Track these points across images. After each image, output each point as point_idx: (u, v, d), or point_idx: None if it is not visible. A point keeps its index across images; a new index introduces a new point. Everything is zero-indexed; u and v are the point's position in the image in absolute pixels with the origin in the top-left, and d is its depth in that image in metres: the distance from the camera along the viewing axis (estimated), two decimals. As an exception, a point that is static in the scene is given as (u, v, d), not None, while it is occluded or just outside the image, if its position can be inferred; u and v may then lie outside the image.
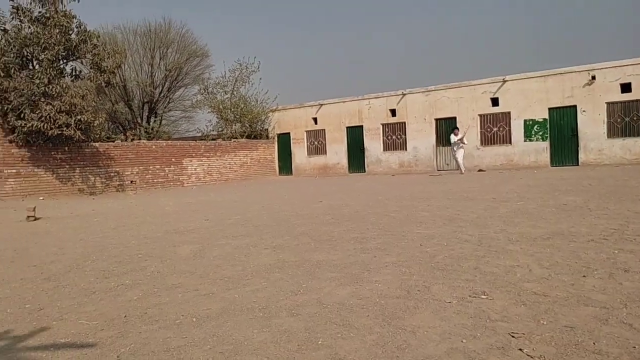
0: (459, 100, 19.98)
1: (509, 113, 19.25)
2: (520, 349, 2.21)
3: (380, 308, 2.91)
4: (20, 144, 15.14)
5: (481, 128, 19.96)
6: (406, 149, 21.67)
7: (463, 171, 17.32)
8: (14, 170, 15.13)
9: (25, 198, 14.58)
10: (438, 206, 7.74)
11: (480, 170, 19.21)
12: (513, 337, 2.35)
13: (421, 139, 21.21)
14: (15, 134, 14.86)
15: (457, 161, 17.58)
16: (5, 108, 14.51)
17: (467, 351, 2.22)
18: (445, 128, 20.57)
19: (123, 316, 2.98)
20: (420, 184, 13.47)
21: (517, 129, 19.19)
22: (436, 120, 20.88)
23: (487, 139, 19.90)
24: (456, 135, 17.60)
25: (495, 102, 19.53)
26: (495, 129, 19.67)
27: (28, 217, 8.71)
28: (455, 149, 17.75)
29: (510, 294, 3.03)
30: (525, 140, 19.03)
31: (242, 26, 61.97)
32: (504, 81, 19.32)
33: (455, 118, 20.20)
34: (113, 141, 19.28)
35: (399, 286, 3.34)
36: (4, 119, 14.77)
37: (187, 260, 4.57)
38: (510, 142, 19.36)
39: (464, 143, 17.54)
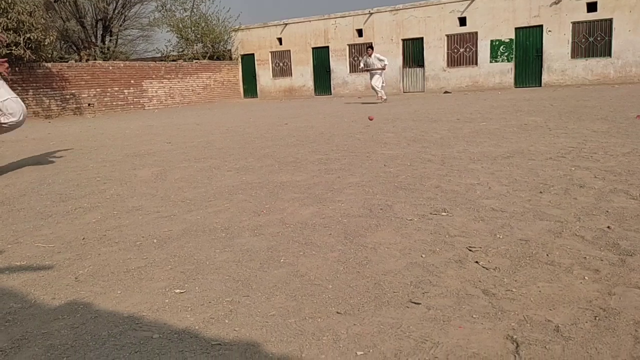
0: (427, 19, 19.59)
1: (476, 33, 19.05)
2: (476, 262, 2.27)
3: (342, 227, 2.92)
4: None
5: (448, 49, 19.77)
6: (372, 71, 21.27)
7: (383, 97, 14.63)
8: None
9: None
10: (403, 127, 7.74)
11: (446, 92, 19.26)
12: (470, 250, 2.41)
13: (388, 60, 20.87)
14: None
15: (374, 89, 14.74)
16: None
17: (426, 265, 2.26)
18: (413, 49, 20.28)
19: (81, 239, 2.91)
20: (386, 106, 13.42)
21: (483, 50, 19.09)
22: (403, 40, 20.53)
23: (454, 61, 19.79)
24: (370, 56, 14.60)
25: (462, 21, 19.25)
26: (462, 50, 19.53)
27: None
28: (373, 74, 14.67)
29: (469, 210, 3.08)
30: (491, 62, 19.01)
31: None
32: None
33: (422, 39, 19.89)
34: (67, 61, 18.29)
35: (362, 205, 3.35)
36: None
37: (147, 183, 4.47)
38: (476, 64, 19.33)
39: (380, 68, 14.53)
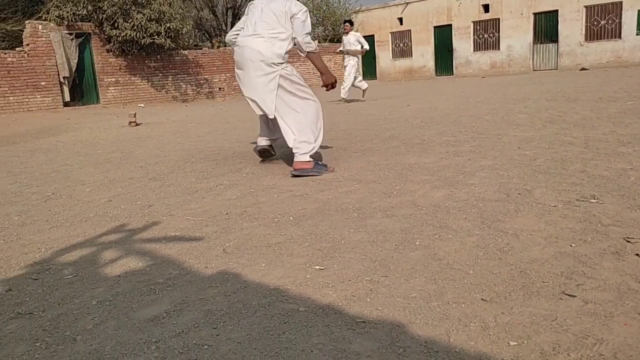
0: (563, -10, 17.98)
1: (620, 3, 17.16)
2: (637, 254, 2.05)
3: (478, 211, 2.80)
4: (117, 53, 15.77)
5: (586, 22, 18.06)
6: (499, 49, 20.24)
7: (346, 97, 11.36)
8: (113, 79, 15.92)
9: (126, 105, 15.43)
10: (536, 108, 7.23)
11: (582, 69, 17.68)
12: (628, 242, 2.18)
13: (517, 36, 19.64)
14: (112, 44, 15.45)
15: (345, 82, 11.38)
16: (101, 18, 15.00)
17: (577, 255, 2.09)
18: (546, 23, 18.83)
19: (225, 213, 3.11)
20: (515, 85, 12.64)
21: (628, 21, 17.16)
22: (535, 14, 19.11)
23: (593, 34, 18.04)
24: (346, 33, 11.30)
25: (605, -10, 17.41)
26: (603, 22, 17.71)
27: (130, 122, 9.24)
28: (349, 63, 11.26)
29: (623, 198, 2.79)
30: (637, 34, 17.04)
31: None
32: (619, -35, 17.05)
33: (557, 11, 18.39)
34: (201, 49, 19.60)
35: (497, 189, 3.19)
36: (100, 29, 15.33)
37: (280, 163, 4.65)
38: (619, 37, 17.44)
39: (358, 52, 11.26)
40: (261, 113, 4.17)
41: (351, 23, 11.36)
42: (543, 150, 4.23)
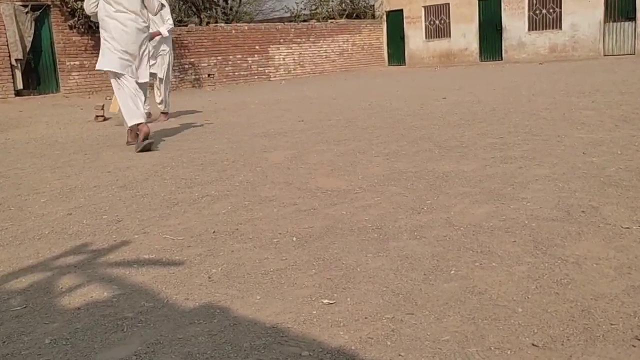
0: (642, -46, 17.91)
1: None
2: None
3: (530, 232, 2.81)
4: (82, 30, 15.96)
5: (672, -5, 17.96)
6: (561, 28, 20.19)
7: (163, 114, 9.16)
8: (77, 62, 16.10)
9: (92, 95, 15.59)
10: (607, 103, 7.22)
11: (666, 55, 17.58)
12: None
13: (582, 12, 19.56)
14: (76, 18, 15.62)
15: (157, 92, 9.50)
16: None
17: (655, 292, 2.09)
18: (620, -4, 18.71)
19: (211, 232, 3.13)
20: (581, 73, 12.62)
21: None
22: (606, -15, 19.02)
23: (681, 11, 17.94)
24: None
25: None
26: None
27: (96, 117, 9.34)
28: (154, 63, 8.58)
29: None
30: None
31: None
32: None
33: (634, -19, 18.28)
34: (186, 25, 19.80)
35: (555, 206, 3.19)
36: (62, 1, 15.52)
37: (280, 169, 4.68)
38: None
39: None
40: None
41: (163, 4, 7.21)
42: (615, 157, 4.22)
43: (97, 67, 6.23)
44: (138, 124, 5.96)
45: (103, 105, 9.56)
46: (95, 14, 6.07)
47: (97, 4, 5.95)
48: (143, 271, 2.62)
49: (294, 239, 2.96)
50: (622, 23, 18.69)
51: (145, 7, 6.12)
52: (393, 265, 2.53)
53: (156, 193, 4.10)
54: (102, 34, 6.07)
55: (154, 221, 3.40)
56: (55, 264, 2.79)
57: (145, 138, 5.87)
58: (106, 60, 6.01)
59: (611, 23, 18.93)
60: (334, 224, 3.17)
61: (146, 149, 5.82)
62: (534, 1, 20.51)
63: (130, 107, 5.99)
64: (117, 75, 6.03)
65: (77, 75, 16.02)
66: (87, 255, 2.88)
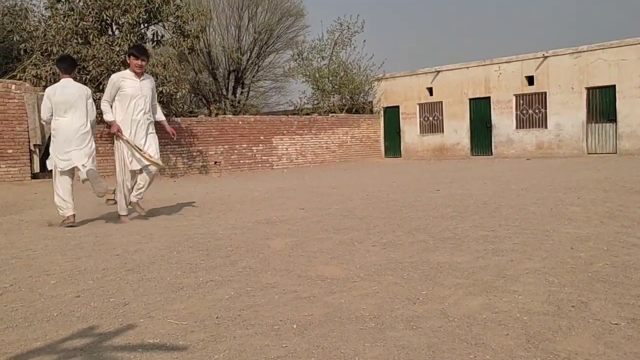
0: (620, 63, 18.67)
1: (689, 80, 17.66)
2: None
3: (522, 326, 2.78)
4: (99, 119, 16.26)
5: (650, 99, 18.50)
6: (546, 127, 20.70)
7: (124, 214, 7.47)
8: (93, 148, 16.25)
9: (104, 179, 15.70)
10: (592, 199, 7.29)
11: (646, 155, 17.89)
12: None
13: (567, 113, 20.14)
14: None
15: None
16: (84, 79, 15.66)
17: (645, 389, 2.05)
18: (601, 100, 19.34)
19: (215, 317, 3.10)
20: (566, 170, 12.80)
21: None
22: (588, 89, 19.68)
23: (658, 114, 18.42)
24: (137, 75, 7.09)
25: (670, 65, 17.98)
26: (670, 100, 18.15)
27: (107, 200, 9.38)
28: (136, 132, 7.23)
29: (700, 317, 2.77)
30: None
31: (343, -22, 62.06)
32: (684, 38, 17.68)
33: (614, 87, 18.95)
34: (196, 116, 20.28)
35: (545, 299, 3.18)
36: (82, 91, 15.91)
37: (282, 256, 4.68)
38: (690, 118, 17.80)
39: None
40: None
41: (145, 55, 7.21)
42: (601, 253, 4.23)
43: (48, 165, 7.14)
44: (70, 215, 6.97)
45: (114, 189, 9.63)
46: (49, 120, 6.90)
47: (52, 112, 6.79)
48: (147, 356, 2.58)
49: (294, 326, 2.93)
50: (604, 124, 19.17)
51: (87, 111, 7.02)
52: (390, 355, 2.49)
53: (162, 277, 4.08)
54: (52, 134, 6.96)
55: (160, 305, 3.38)
56: (62, 346, 2.75)
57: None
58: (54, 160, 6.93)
59: (593, 124, 19.42)
60: (333, 312, 3.14)
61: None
62: (521, 102, 21.11)
63: (64, 200, 6.96)
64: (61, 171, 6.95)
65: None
66: (93, 338, 2.85)
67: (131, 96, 7.02)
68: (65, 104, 6.76)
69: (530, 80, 20.78)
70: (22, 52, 16.07)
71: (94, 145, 7.18)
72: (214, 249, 5.06)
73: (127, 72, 7.13)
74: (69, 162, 6.89)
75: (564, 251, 4.36)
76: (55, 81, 8.33)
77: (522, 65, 20.95)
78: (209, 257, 4.75)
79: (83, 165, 6.91)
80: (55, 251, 5.28)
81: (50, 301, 3.56)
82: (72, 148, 6.81)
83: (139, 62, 7.01)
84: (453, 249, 4.68)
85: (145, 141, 7.24)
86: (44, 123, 7.51)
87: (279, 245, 5.18)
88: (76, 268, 4.49)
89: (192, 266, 4.41)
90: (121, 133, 7.07)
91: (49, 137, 7.30)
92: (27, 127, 14.80)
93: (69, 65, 7.03)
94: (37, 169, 15.00)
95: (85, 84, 15.58)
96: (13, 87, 14.86)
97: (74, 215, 7.00)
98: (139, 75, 7.08)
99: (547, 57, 20.30)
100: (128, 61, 7.14)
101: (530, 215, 6.25)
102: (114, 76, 7.14)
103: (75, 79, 7.22)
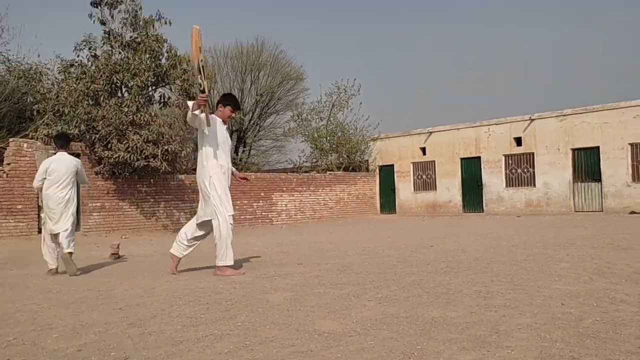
0: (603, 126, 18.98)
1: (670, 141, 17.89)
2: None
3: (516, 381, 2.72)
4: (106, 175, 16.40)
5: (633, 160, 18.75)
6: (535, 185, 20.85)
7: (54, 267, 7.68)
8: (99, 204, 16.37)
9: (109, 234, 15.69)
10: (580, 256, 7.26)
11: (632, 212, 17.96)
12: None
13: (554, 173, 20.31)
14: (102, 166, 16.12)
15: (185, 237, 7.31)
16: (93, 138, 15.84)
17: None
18: (586, 160, 19.56)
19: (213, 372, 3.03)
20: (555, 227, 12.79)
21: (681, 162, 17.81)
22: (573, 150, 19.93)
23: (641, 174, 18.59)
24: (223, 122, 6.97)
25: (651, 127, 18.26)
26: (651, 161, 18.36)
27: (112, 254, 9.33)
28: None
29: (690, 374, 2.72)
30: (692, 176, 17.58)
31: (341, 45, 63.68)
32: (661, 102, 18.03)
33: (598, 148, 19.19)
34: (199, 173, 20.26)
35: (538, 355, 3.12)
36: (91, 150, 16.12)
37: (280, 310, 4.62)
38: (672, 178, 17.94)
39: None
40: None
41: (235, 106, 7.14)
42: (591, 309, 4.19)
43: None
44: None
45: (119, 244, 9.60)
46: (41, 188, 7.60)
47: (43, 181, 7.51)
48: (146, 410, 2.51)
49: (292, 381, 2.87)
50: (589, 183, 19.29)
51: (76, 181, 7.77)
52: (386, 411, 2.43)
53: (163, 331, 4.02)
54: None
55: (160, 359, 3.31)
56: (62, 400, 2.68)
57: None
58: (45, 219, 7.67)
59: (580, 183, 19.55)
60: (330, 367, 3.08)
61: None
62: (510, 161, 21.31)
63: (49, 254, 7.65)
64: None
65: (97, 215, 16.23)
66: (93, 392, 2.78)
67: (221, 142, 6.80)
68: (58, 176, 7.50)
69: (519, 141, 21.04)
70: (35, 113, 16.30)
71: (75, 210, 7.79)
72: (214, 303, 5.00)
73: (217, 117, 6.86)
74: (55, 227, 7.54)
75: (555, 307, 4.31)
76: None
77: (511, 127, 21.26)
78: (209, 311, 4.68)
79: (65, 229, 7.54)
80: (59, 305, 5.20)
81: (51, 355, 3.49)
82: (57, 215, 7.51)
83: (234, 114, 7.14)
84: (447, 304, 4.62)
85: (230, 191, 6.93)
86: (34, 189, 8.08)
87: (278, 299, 5.11)
88: (79, 322, 4.42)
89: (193, 320, 4.34)
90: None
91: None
92: (37, 183, 14.83)
93: (65, 142, 7.96)
94: (44, 223, 14.95)
95: (94, 143, 15.80)
96: (25, 145, 15.00)
97: (57, 267, 7.63)
98: (225, 122, 7.00)
99: (534, 119, 20.64)
100: (220, 108, 6.99)
101: (521, 271, 6.21)
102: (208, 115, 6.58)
103: (69, 151, 8.09)
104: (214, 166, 6.69)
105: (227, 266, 6.78)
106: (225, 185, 6.78)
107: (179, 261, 7.19)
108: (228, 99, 7.12)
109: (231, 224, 6.84)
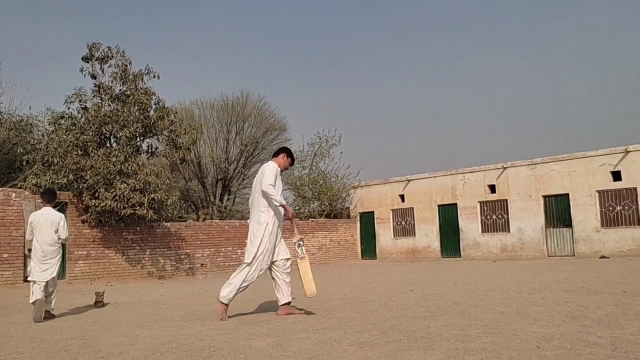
0: (572, 174, 19.34)
1: (635, 189, 18.27)
2: None
3: None
4: (93, 224, 16.19)
5: (601, 207, 19.02)
6: (509, 231, 21.00)
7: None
8: (85, 252, 16.11)
9: (94, 281, 15.37)
10: (554, 299, 7.26)
11: (602, 257, 18.10)
12: None
13: (527, 219, 20.51)
14: (89, 214, 15.93)
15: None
16: (81, 187, 15.70)
17: None
18: (557, 207, 19.81)
19: (195, 420, 2.94)
20: (529, 271, 12.82)
21: (647, 209, 18.09)
22: (544, 197, 20.20)
23: (610, 220, 18.88)
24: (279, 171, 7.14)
25: (616, 176, 18.66)
26: (618, 207, 18.65)
27: (96, 302, 9.13)
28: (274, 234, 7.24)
29: (662, 415, 2.69)
30: (658, 222, 17.84)
31: (322, 96, 64.68)
32: (627, 152, 18.51)
33: (567, 195, 19.47)
34: (185, 221, 20.19)
35: (515, 398, 3.08)
36: (78, 199, 15.95)
37: (263, 356, 4.52)
38: (639, 223, 18.20)
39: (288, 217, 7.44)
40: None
41: (291, 157, 7.42)
42: (565, 352, 4.16)
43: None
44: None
45: (103, 292, 9.40)
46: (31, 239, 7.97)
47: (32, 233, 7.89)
48: None
49: None
50: (561, 229, 19.48)
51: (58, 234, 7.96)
52: None
53: (145, 379, 3.90)
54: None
55: (141, 408, 3.20)
56: None
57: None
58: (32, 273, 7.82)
59: (552, 228, 19.73)
60: (311, 413, 3.01)
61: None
62: (485, 208, 21.49)
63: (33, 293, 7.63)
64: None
65: (83, 263, 15.94)
66: None
67: (281, 190, 7.10)
68: (42, 229, 7.85)
69: (492, 188, 21.29)
70: (24, 163, 16.17)
71: (60, 257, 8.11)
72: (197, 350, 4.88)
73: (277, 165, 7.04)
74: (44, 275, 7.76)
75: (531, 350, 4.28)
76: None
77: (485, 175, 21.54)
78: (192, 358, 4.56)
79: (51, 275, 7.84)
80: (42, 354, 5.04)
81: (32, 405, 3.36)
82: (45, 263, 7.80)
83: (290, 167, 7.51)
84: (426, 348, 4.57)
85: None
86: (28, 240, 8.32)
87: (261, 345, 5.01)
88: (61, 370, 4.27)
89: (175, 367, 4.23)
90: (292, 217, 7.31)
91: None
92: (24, 233, 14.58)
93: (51, 198, 8.31)
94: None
95: (81, 192, 15.66)
96: (13, 195, 14.81)
97: (39, 300, 7.59)
98: (281, 172, 7.15)
99: (506, 167, 20.95)
100: (283, 157, 7.18)
101: (497, 314, 6.18)
102: (274, 165, 6.97)
103: (54, 206, 8.33)
104: (271, 217, 7.03)
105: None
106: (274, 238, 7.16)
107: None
108: (291, 154, 7.35)
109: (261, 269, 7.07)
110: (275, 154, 7.21)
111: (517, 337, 4.84)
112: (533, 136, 54.58)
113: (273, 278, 7.18)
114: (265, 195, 6.86)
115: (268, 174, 6.80)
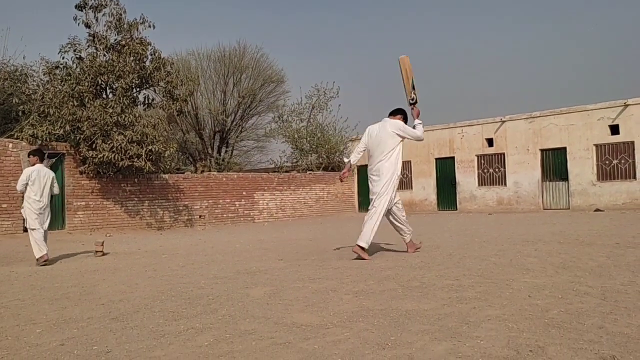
0: (570, 127, 19.26)
1: (632, 143, 18.24)
2: None
3: (484, 370, 2.75)
4: (91, 175, 16.18)
5: (597, 161, 19.03)
6: (506, 184, 21.06)
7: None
8: (83, 203, 16.16)
9: (93, 232, 15.49)
10: (548, 251, 7.36)
11: (597, 210, 18.24)
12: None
13: (524, 172, 20.54)
14: (86, 165, 15.91)
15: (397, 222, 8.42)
16: (78, 138, 15.62)
17: None
18: (554, 160, 19.80)
19: (193, 364, 3.02)
20: (524, 224, 12.94)
21: (643, 162, 18.09)
22: (542, 150, 20.17)
23: (605, 174, 18.92)
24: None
25: (614, 129, 18.59)
26: (615, 161, 18.67)
27: (96, 252, 9.23)
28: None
29: (647, 360, 2.77)
30: (653, 175, 17.88)
31: (322, 48, 63.69)
32: (626, 105, 18.38)
33: (565, 149, 19.44)
34: (183, 173, 20.20)
35: (506, 344, 3.16)
36: (76, 150, 15.90)
37: (260, 304, 4.61)
38: (634, 177, 18.26)
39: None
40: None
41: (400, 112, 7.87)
42: (556, 301, 4.25)
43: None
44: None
45: (103, 242, 9.49)
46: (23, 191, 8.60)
47: (26, 186, 8.50)
48: (127, 401, 2.49)
49: (270, 372, 2.87)
50: (557, 182, 19.56)
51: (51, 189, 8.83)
52: (360, 399, 2.44)
53: (145, 325, 3.98)
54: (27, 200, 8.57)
55: (141, 352, 3.28)
56: (44, 393, 2.65)
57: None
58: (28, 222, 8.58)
59: (548, 182, 19.81)
60: (307, 357, 3.08)
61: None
62: (482, 161, 21.51)
63: (37, 244, 8.32)
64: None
65: (82, 214, 16.03)
66: (75, 384, 2.74)
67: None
68: (38, 184, 8.54)
69: (490, 142, 21.25)
70: (20, 114, 16.04)
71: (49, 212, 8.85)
72: (196, 298, 4.97)
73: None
74: (45, 225, 8.65)
75: (522, 299, 4.36)
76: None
77: (483, 129, 21.46)
78: (191, 305, 4.65)
79: (47, 224, 8.74)
80: (43, 301, 5.13)
81: (34, 349, 3.44)
82: (42, 214, 8.58)
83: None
84: (420, 297, 4.65)
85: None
86: (18, 191, 8.90)
87: (258, 294, 5.10)
88: (62, 317, 4.36)
89: (174, 314, 4.31)
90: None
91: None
92: (22, 183, 14.59)
93: (41, 156, 9.09)
94: (29, 222, 14.71)
95: (78, 143, 15.60)
96: (10, 145, 14.75)
97: (47, 254, 8.32)
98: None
99: (505, 121, 20.85)
100: (400, 119, 7.79)
101: (491, 265, 6.27)
102: (398, 121, 7.77)
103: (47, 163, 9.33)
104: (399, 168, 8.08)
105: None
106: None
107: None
108: (406, 118, 7.90)
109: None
110: (394, 113, 7.83)
111: (509, 286, 4.93)
112: (532, 90, 54.16)
113: (391, 221, 8.34)
114: (418, 138, 7.89)
115: (403, 127, 7.68)
